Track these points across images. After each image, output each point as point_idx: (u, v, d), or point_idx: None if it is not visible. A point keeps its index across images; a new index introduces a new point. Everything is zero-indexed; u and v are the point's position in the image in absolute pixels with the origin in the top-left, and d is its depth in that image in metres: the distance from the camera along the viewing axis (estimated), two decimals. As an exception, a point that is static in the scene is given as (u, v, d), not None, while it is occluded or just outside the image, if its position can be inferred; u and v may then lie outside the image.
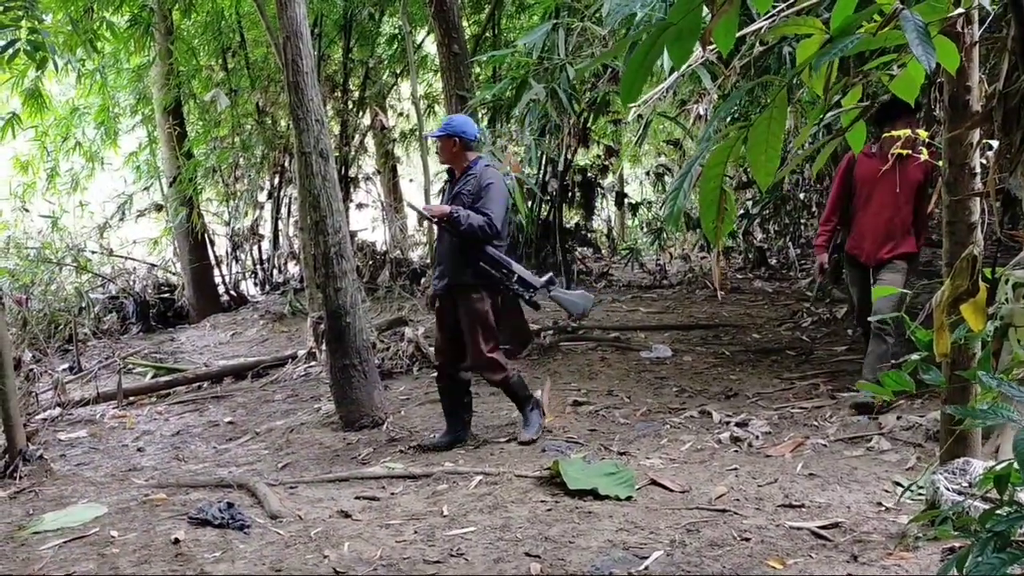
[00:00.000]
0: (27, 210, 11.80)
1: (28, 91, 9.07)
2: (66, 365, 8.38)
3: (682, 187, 2.70)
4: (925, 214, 5.17)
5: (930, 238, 10.69)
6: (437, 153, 5.26)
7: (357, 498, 4.22)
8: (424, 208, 4.87)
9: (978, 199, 2.85)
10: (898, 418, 4.74)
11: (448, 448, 4.99)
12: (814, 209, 12.09)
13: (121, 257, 12.32)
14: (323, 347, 6.45)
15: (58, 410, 6.54)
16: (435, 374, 6.87)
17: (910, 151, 4.43)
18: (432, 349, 7.21)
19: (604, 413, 5.53)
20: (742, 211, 11.64)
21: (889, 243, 5.25)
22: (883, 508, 3.60)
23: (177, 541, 3.72)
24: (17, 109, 9.46)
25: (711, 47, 2.80)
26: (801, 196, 11.65)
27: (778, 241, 11.70)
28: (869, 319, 4.84)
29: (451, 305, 4.95)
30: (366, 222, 13.42)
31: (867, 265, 5.42)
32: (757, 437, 4.78)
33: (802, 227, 12.20)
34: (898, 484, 3.86)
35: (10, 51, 6.74)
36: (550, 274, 5.15)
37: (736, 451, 4.62)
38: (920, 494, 3.46)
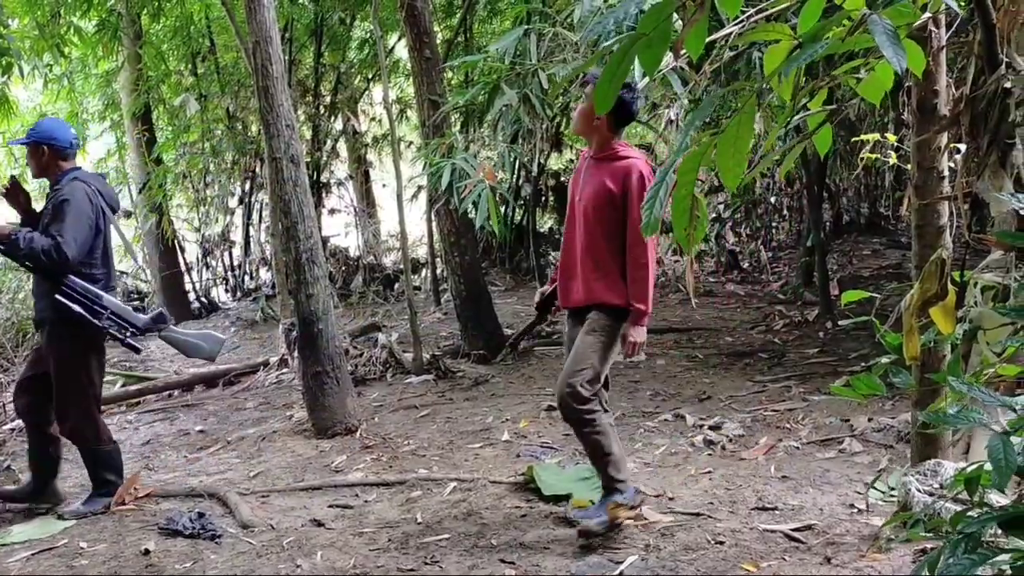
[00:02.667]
0: (-7, 217, 11.59)
1: (-6, 96, 8.93)
2: (33, 374, 8.23)
3: (658, 195, 2.70)
4: (634, 248, 3.52)
5: (899, 241, 10.86)
6: (28, 166, 4.44)
7: (330, 506, 4.19)
8: None
9: (946, 203, 2.88)
10: (869, 420, 4.78)
11: (27, 500, 4.43)
12: (785, 212, 12.21)
13: (90, 264, 12.14)
14: (295, 354, 6.40)
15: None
16: (408, 380, 6.89)
17: (614, 148, 3.59)
18: (407, 355, 7.21)
19: (578, 418, 5.52)
20: (714, 215, 11.72)
21: (581, 283, 3.68)
22: (855, 510, 3.63)
23: (147, 552, 3.67)
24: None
25: (682, 53, 2.81)
26: (772, 200, 11.75)
27: (750, 245, 11.78)
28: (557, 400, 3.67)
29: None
30: (339, 227, 13.35)
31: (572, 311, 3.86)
32: (730, 440, 4.81)
33: (773, 230, 12.31)
34: (870, 486, 3.89)
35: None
36: (160, 310, 4.55)
37: (710, 454, 4.63)
38: (892, 496, 3.49)
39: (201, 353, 4.65)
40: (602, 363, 3.59)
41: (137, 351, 4.44)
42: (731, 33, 3.76)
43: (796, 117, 2.20)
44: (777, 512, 3.69)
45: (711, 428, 5.03)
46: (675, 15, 2.12)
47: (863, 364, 5.63)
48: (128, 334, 4.23)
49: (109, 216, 4.31)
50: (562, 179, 10.92)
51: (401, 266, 9.99)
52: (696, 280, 10.96)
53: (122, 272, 12.24)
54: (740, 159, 1.97)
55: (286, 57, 7.83)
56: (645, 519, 3.67)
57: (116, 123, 12.35)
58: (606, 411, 3.75)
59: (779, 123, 2.11)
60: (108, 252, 4.35)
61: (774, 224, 12.34)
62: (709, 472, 4.28)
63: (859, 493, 3.81)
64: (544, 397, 6.02)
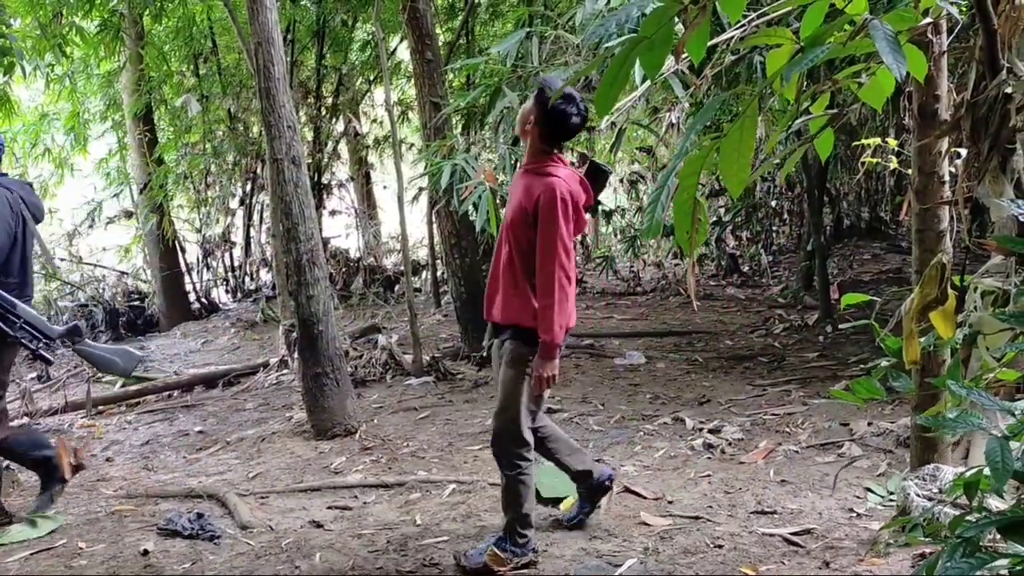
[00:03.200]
0: (-6, 217, 11.60)
1: (-6, 95, 8.95)
2: (34, 374, 8.23)
3: (660, 200, 2.71)
4: (540, 272, 3.27)
5: (899, 245, 10.87)
6: None
7: (329, 508, 4.19)
8: None
9: (947, 207, 2.88)
10: (869, 424, 4.78)
11: None
12: (785, 216, 12.21)
13: (90, 264, 12.17)
14: (295, 355, 6.40)
15: (26, 420, 6.43)
16: (408, 382, 6.89)
17: (542, 161, 3.35)
18: (407, 357, 7.21)
19: (578, 420, 5.53)
20: (715, 219, 11.72)
21: (501, 298, 3.45)
22: (855, 514, 3.63)
23: (146, 552, 3.67)
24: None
25: (684, 57, 2.81)
26: (773, 204, 11.76)
27: (750, 248, 11.78)
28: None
29: None
30: (340, 229, 13.35)
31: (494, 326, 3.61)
32: (730, 443, 4.81)
33: (774, 234, 12.31)
34: (869, 490, 3.90)
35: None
36: (75, 324, 4.34)
37: (709, 458, 4.63)
38: (891, 500, 3.49)
39: (114, 369, 4.45)
40: (525, 397, 3.37)
41: (48, 362, 4.26)
42: (733, 37, 3.77)
43: (798, 121, 2.20)
44: (776, 516, 3.69)
45: (711, 432, 5.03)
46: (676, 19, 2.13)
47: (863, 368, 5.66)
48: (40, 345, 4.06)
49: (31, 225, 4.17)
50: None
51: (402, 268, 9.99)
52: (697, 284, 10.97)
53: (122, 272, 12.27)
54: (744, 164, 1.97)
55: (288, 58, 7.83)
56: (645, 523, 3.67)
57: (118, 123, 12.35)
58: (539, 430, 3.58)
59: (780, 127, 2.11)
60: (26, 261, 4.17)
61: (775, 228, 12.34)
62: (708, 476, 4.29)
63: (858, 497, 3.82)
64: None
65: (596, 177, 3.55)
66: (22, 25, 9.79)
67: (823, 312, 7.89)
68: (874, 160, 3.14)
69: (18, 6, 9.42)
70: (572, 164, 3.69)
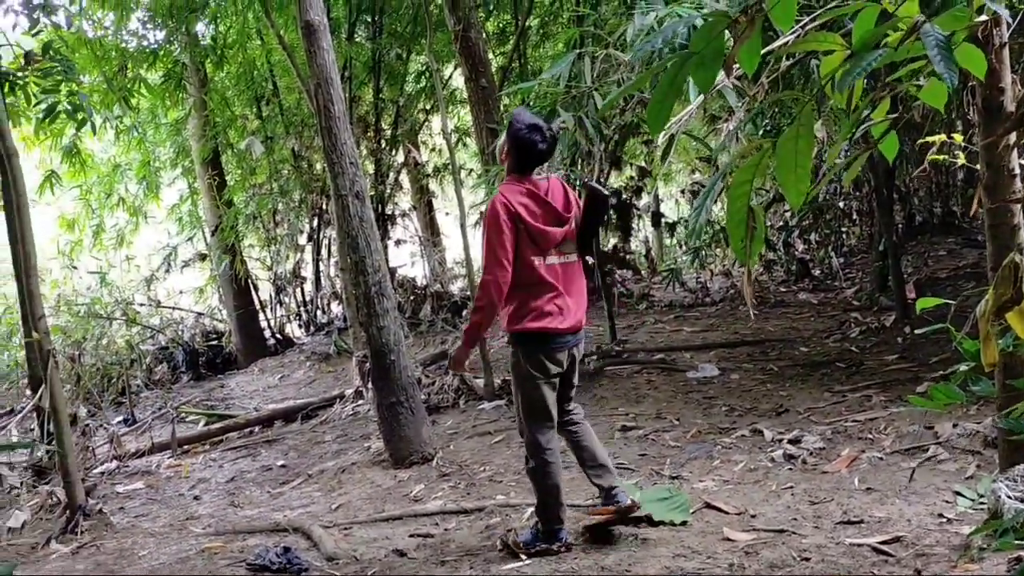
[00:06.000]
0: (75, 267, 12.08)
1: (66, 149, 9.35)
2: (120, 417, 8.53)
3: (704, 204, 2.70)
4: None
5: (975, 239, 10.54)
6: None
7: (411, 536, 4.24)
8: None
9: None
10: (954, 426, 4.63)
11: None
12: (854, 216, 11.96)
13: (169, 308, 12.56)
14: (369, 386, 6.50)
15: (115, 463, 6.65)
16: (481, 406, 6.94)
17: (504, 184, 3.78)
18: (478, 381, 7.26)
19: (654, 437, 5.49)
20: (781, 223, 11.54)
21: None
22: (945, 520, 3.53)
23: (237, 588, 3.76)
24: (59, 167, 9.72)
25: (736, 69, 2.80)
26: (840, 204, 11.52)
27: (820, 251, 11.56)
28: None
29: None
30: (405, 257, 13.53)
31: None
32: (811, 453, 4.72)
33: (844, 235, 12.05)
34: (959, 494, 3.78)
35: (52, 114, 6.99)
36: None
37: (791, 469, 4.55)
38: (981, 504, 3.38)
39: None
40: (522, 400, 3.77)
41: None
42: (786, 42, 3.74)
43: (860, 128, 2.17)
44: (863, 525, 3.61)
45: (790, 442, 4.94)
46: (726, 33, 2.13)
47: (945, 369, 5.49)
48: None
49: None
50: (623, 197, 10.88)
51: (468, 292, 10.08)
52: (766, 290, 10.81)
53: (199, 313, 12.63)
54: (803, 174, 1.94)
55: (346, 95, 8.02)
56: (729, 538, 3.63)
57: (187, 169, 12.77)
58: (571, 416, 3.92)
59: (842, 136, 2.09)
60: None
61: (844, 229, 12.09)
62: (791, 487, 4.21)
63: (947, 502, 3.71)
64: (618, 418, 5.99)
65: (595, 201, 3.78)
66: (90, 80, 10.21)
67: (900, 313, 7.69)
68: (941, 157, 3.07)
69: (85, 62, 9.83)
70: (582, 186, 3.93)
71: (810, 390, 6.18)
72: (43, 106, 7.03)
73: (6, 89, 6.67)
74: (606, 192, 3.84)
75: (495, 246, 3.56)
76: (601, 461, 3.86)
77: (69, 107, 7.12)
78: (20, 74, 7.03)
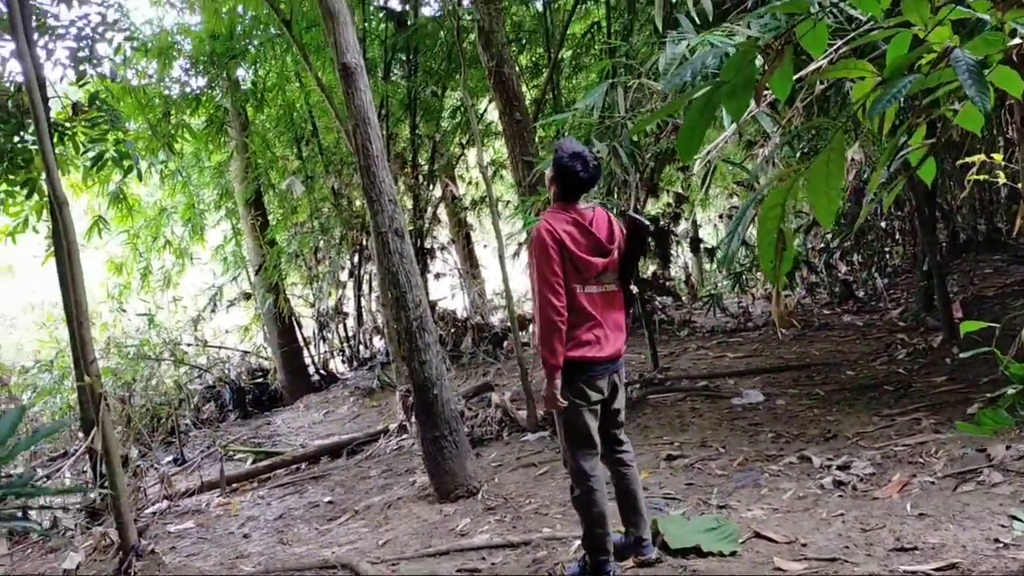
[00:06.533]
0: (124, 310, 12.35)
1: (113, 194, 9.61)
2: (170, 457, 8.66)
3: (736, 231, 2.70)
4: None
5: (1022, 256, 10.33)
6: None
7: (458, 571, 4.23)
8: None
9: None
10: (1008, 448, 4.54)
11: None
12: (897, 236, 11.80)
13: (215, 347, 12.76)
14: (413, 420, 6.53)
15: (165, 503, 6.75)
16: (524, 438, 6.93)
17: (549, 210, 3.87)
18: (521, 413, 7.26)
19: (699, 466, 5.44)
20: (822, 244, 11.42)
21: None
22: (1001, 545, 3.45)
23: (287, 626, 3.78)
24: (107, 213, 9.98)
25: (767, 96, 2.81)
26: (882, 224, 11.39)
27: (863, 272, 11.41)
28: None
29: None
30: (445, 290, 13.62)
31: None
32: (861, 479, 4.64)
33: (887, 255, 11.89)
34: (1015, 518, 3.70)
35: (99, 162, 7.20)
36: None
37: (840, 496, 4.48)
38: (1040, 528, 3.30)
39: None
40: (564, 427, 3.78)
41: None
42: (819, 67, 3.74)
43: (898, 155, 2.17)
44: (917, 552, 3.54)
45: (839, 468, 4.86)
46: (758, 60, 2.14)
47: (995, 390, 5.38)
48: None
49: None
50: (661, 224, 10.86)
51: (508, 324, 10.10)
52: (784, 316, 10.66)
53: (244, 352, 12.81)
54: (833, 195, 1.95)
55: (383, 133, 8.15)
56: (779, 568, 3.58)
57: (231, 211, 13.02)
58: (622, 455, 3.91)
59: (881, 162, 2.08)
60: None
61: (887, 249, 11.93)
62: (841, 514, 4.14)
63: (1003, 526, 3.63)
64: (662, 447, 5.95)
65: (636, 232, 3.83)
66: (135, 127, 10.51)
67: (947, 333, 7.55)
68: (981, 177, 3.04)
69: (130, 110, 10.12)
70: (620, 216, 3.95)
71: (858, 414, 6.08)
72: (91, 154, 7.26)
73: (55, 139, 6.89)
74: (647, 223, 3.86)
75: (545, 273, 3.61)
76: (640, 511, 3.89)
77: (116, 155, 7.34)
78: (68, 124, 7.27)
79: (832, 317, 10.33)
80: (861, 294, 11.08)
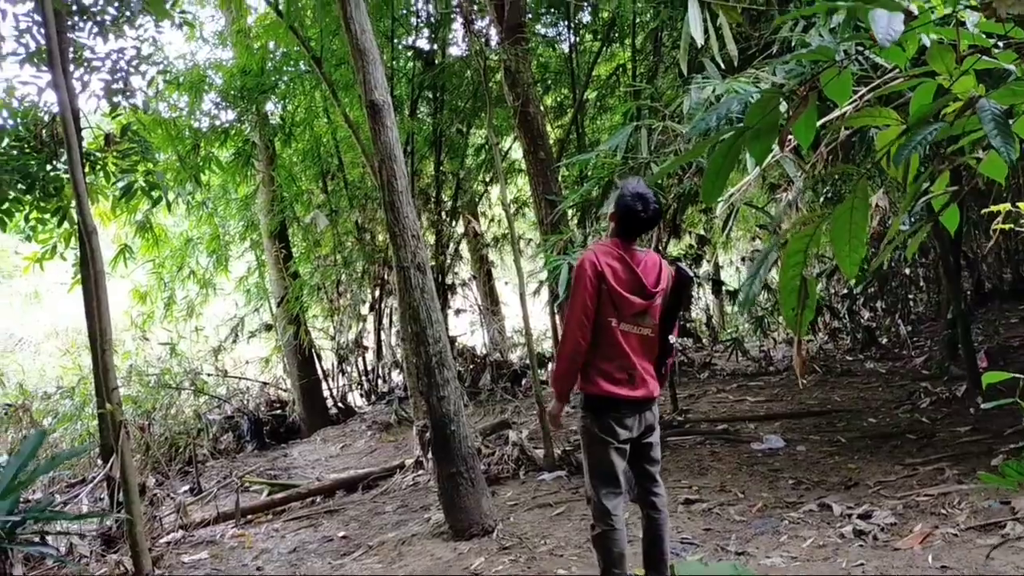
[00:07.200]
0: (147, 339, 12.44)
1: (140, 224, 9.73)
2: (187, 487, 8.66)
3: (758, 274, 2.69)
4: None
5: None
6: None
7: (471, 610, 4.19)
8: None
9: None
10: (1033, 501, 4.46)
11: None
12: (921, 283, 11.71)
13: (235, 377, 12.80)
14: (429, 455, 6.50)
15: (180, 532, 6.74)
16: (541, 477, 6.88)
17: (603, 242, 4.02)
18: (538, 452, 7.21)
19: (718, 511, 5.37)
20: (845, 290, 11.36)
21: None
22: (1027, 602, 3.37)
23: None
24: (133, 241, 10.12)
25: (790, 142, 2.82)
26: (906, 271, 11.32)
27: (886, 319, 11.32)
28: None
29: None
30: (465, 326, 13.63)
31: None
32: (882, 529, 4.57)
33: (911, 303, 11.80)
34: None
35: (129, 193, 7.32)
36: None
37: (861, 545, 4.41)
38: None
39: None
40: (588, 463, 3.80)
41: None
42: (844, 112, 3.75)
43: (920, 201, 2.17)
44: (939, 606, 3.47)
45: (860, 517, 4.79)
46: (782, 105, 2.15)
47: (1020, 441, 5.30)
48: None
49: None
50: (681, 264, 10.86)
51: (527, 361, 10.08)
52: (831, 359, 10.59)
53: (264, 383, 12.85)
54: (857, 245, 1.94)
55: (408, 169, 8.22)
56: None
57: (255, 242, 13.15)
58: (655, 499, 3.86)
59: (903, 208, 2.09)
60: None
61: (911, 296, 11.84)
62: (862, 565, 4.08)
63: (1030, 583, 3.55)
64: (680, 490, 5.89)
65: (680, 282, 3.86)
66: (163, 158, 10.68)
67: (971, 383, 7.45)
68: (1007, 225, 3.02)
69: (160, 141, 10.29)
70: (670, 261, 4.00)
71: (880, 463, 6.00)
72: (121, 184, 7.38)
73: (87, 168, 7.02)
74: (690, 274, 3.91)
75: (577, 301, 3.68)
76: (665, 558, 3.86)
77: (145, 185, 7.46)
78: (100, 154, 7.41)
79: (854, 363, 10.24)
80: (884, 341, 10.99)
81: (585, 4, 10.76)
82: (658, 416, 3.92)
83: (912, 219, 5.87)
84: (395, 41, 10.91)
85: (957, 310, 7.88)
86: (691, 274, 3.90)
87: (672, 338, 3.90)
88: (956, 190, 2.09)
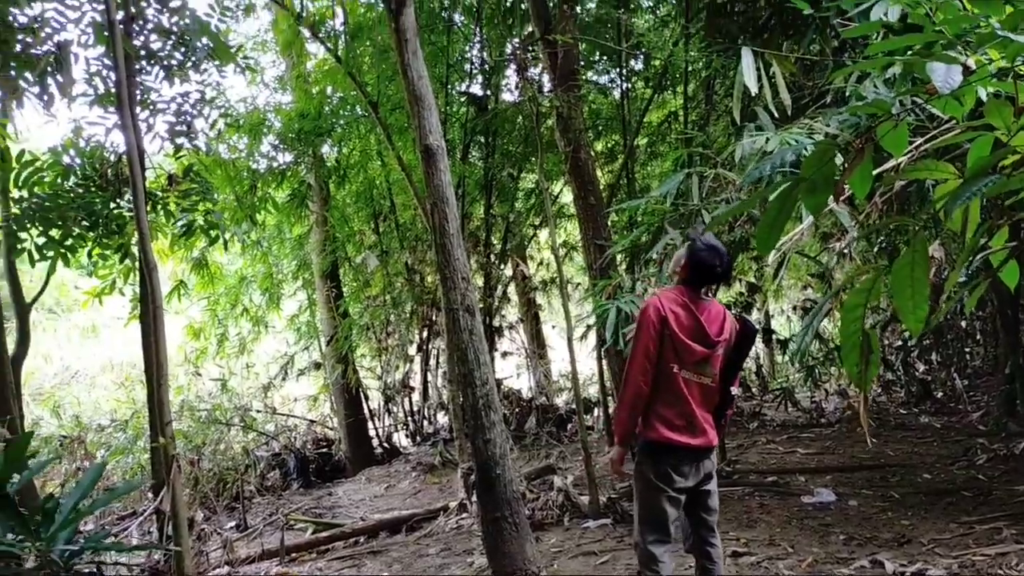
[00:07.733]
0: (199, 374, 12.65)
1: (195, 261, 9.96)
2: (233, 523, 8.73)
3: (812, 325, 2.68)
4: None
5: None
6: None
7: (514, 658, 4.14)
8: None
9: None
10: (1099, 566, 4.30)
11: None
12: (978, 337, 11.46)
13: (283, 415, 12.93)
14: (473, 499, 6.49)
15: (226, 568, 6.78)
16: (586, 524, 6.82)
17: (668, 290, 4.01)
18: (584, 498, 7.15)
19: (767, 564, 5.27)
20: (899, 342, 11.15)
21: None
22: (1092, 671, 3.24)
23: None
24: (188, 278, 10.34)
25: (846, 192, 2.82)
26: (963, 324, 11.08)
27: (942, 372, 11.07)
28: None
29: None
30: (511, 369, 13.63)
31: None
32: (937, 589, 4.44)
33: (967, 356, 11.54)
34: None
35: (190, 232, 7.51)
36: None
37: (915, 605, 4.29)
38: None
39: None
40: (640, 508, 3.84)
41: None
42: (900, 163, 3.73)
43: (979, 256, 2.15)
44: (998, 672, 3.35)
45: (914, 575, 4.66)
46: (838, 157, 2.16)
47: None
48: None
49: None
50: (747, 317, 10.76)
51: (573, 406, 10.04)
52: (885, 412, 10.36)
53: (311, 421, 12.96)
54: (920, 300, 1.91)
55: (459, 212, 8.32)
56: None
57: (307, 281, 13.35)
58: (711, 550, 3.91)
59: (960, 263, 2.07)
60: None
61: (967, 349, 11.58)
62: (915, 625, 3.96)
63: (1095, 652, 3.42)
64: (728, 542, 5.79)
65: (745, 334, 3.89)
66: (221, 198, 10.94)
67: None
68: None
69: (219, 181, 10.56)
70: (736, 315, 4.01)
71: (934, 520, 5.84)
72: (182, 223, 7.58)
73: (149, 207, 7.22)
74: (755, 327, 3.92)
75: (640, 347, 3.70)
76: None
77: (204, 224, 7.66)
78: (162, 193, 7.63)
79: (909, 417, 10.02)
80: (939, 395, 10.73)
81: (637, 52, 10.87)
82: (714, 468, 3.90)
83: (968, 272, 5.77)
84: (449, 87, 11.11)
85: (1015, 365, 7.69)
86: (756, 327, 3.90)
87: (733, 389, 3.88)
88: (1016, 245, 2.07)
